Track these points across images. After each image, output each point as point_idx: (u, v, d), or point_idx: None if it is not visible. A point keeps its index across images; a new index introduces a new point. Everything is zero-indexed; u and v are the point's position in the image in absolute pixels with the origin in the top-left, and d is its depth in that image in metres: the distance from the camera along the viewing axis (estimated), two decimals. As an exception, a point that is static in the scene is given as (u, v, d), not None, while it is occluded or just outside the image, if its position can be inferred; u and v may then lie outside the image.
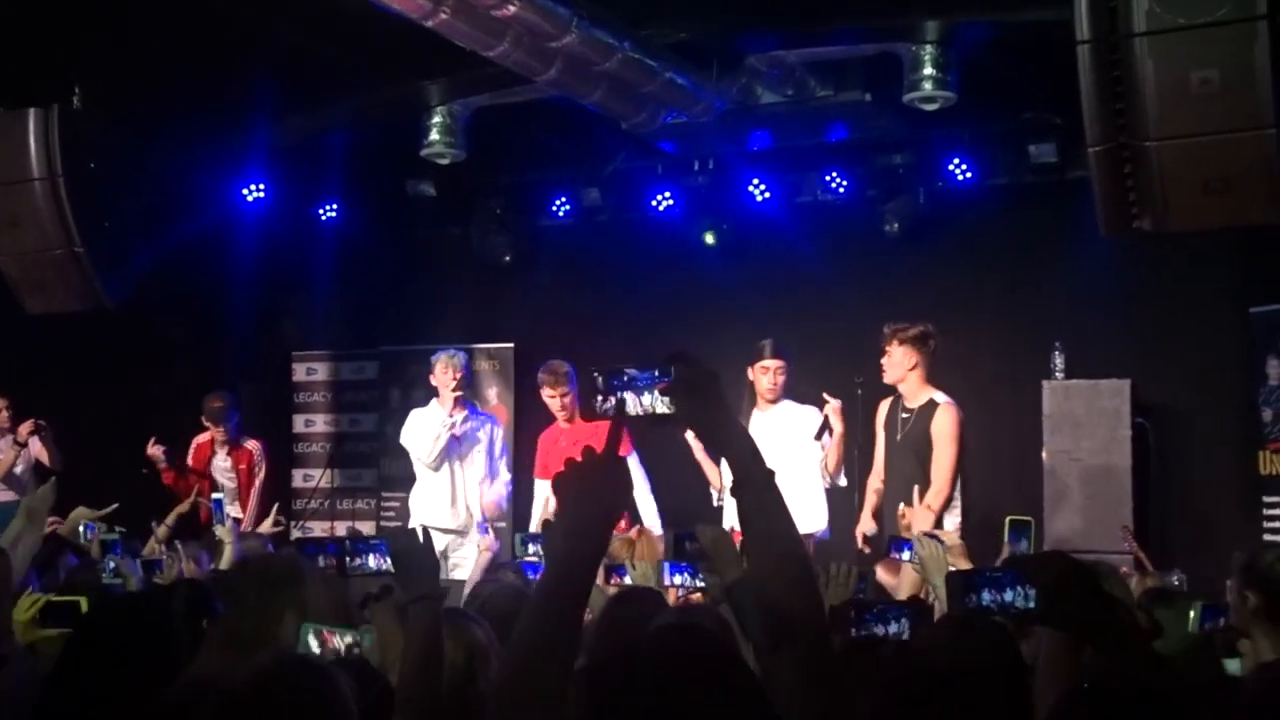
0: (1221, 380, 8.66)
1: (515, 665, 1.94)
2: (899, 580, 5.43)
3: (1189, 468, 8.72)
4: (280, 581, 3.49)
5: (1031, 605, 2.54)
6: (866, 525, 7.41)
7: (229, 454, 9.14)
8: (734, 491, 2.18)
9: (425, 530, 3.35)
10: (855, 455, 7.86)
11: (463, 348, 10.49)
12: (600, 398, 2.13)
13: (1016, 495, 8.78)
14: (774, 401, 7.73)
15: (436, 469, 8.40)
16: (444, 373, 8.37)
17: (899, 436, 7.29)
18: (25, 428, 8.51)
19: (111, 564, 5.43)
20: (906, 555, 4.79)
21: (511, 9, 6.36)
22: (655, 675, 1.82)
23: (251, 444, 9.25)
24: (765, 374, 7.70)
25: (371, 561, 3.27)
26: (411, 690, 2.95)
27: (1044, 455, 8.48)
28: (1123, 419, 8.33)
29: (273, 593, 3.49)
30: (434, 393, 8.52)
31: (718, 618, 3.23)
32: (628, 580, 4.74)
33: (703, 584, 4.31)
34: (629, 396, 2.11)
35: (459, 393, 8.39)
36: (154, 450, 8.91)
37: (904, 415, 7.28)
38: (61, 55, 7.58)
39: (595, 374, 2.14)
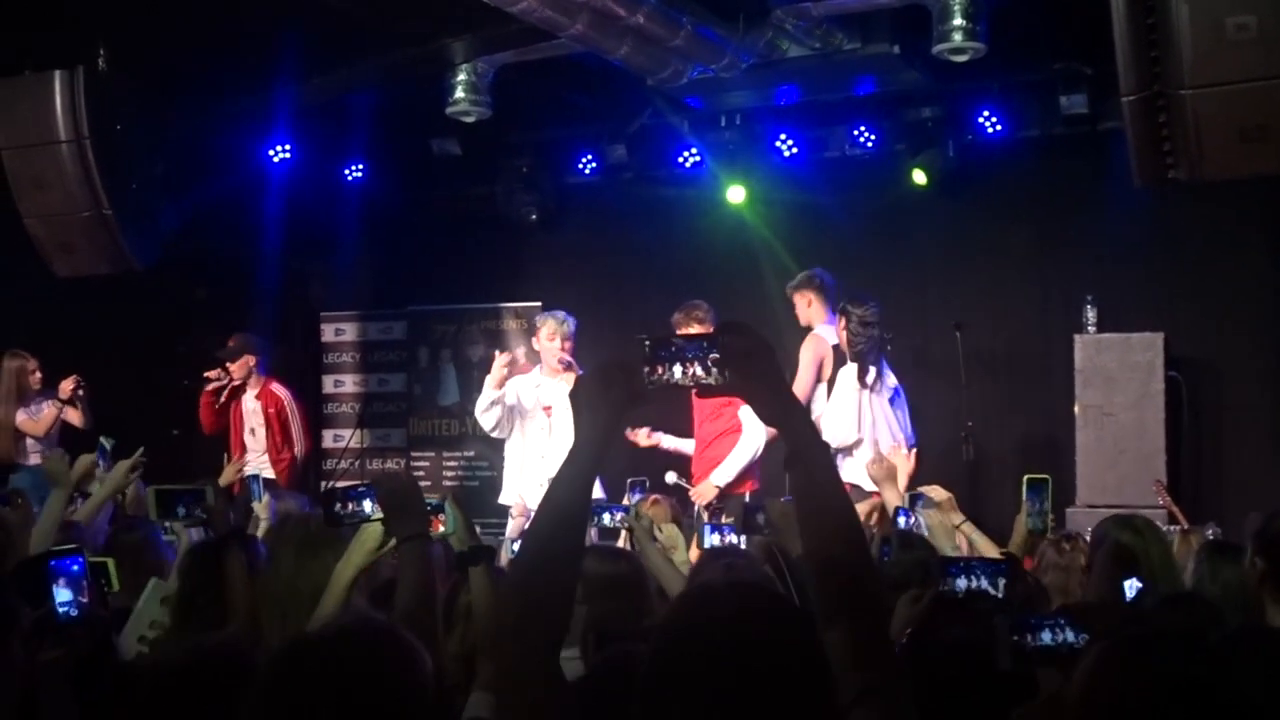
0: (1255, 334, 8.58)
1: (524, 555, 2.16)
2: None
3: (1222, 422, 8.65)
4: (318, 543, 3.48)
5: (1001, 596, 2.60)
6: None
7: (257, 396, 9.05)
8: (788, 465, 2.15)
9: (410, 473, 3.37)
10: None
11: (490, 307, 10.55)
12: (649, 368, 2.10)
13: (1049, 449, 8.76)
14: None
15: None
16: (550, 339, 8.00)
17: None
18: (68, 385, 8.42)
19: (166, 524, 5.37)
20: (903, 522, 4.77)
21: (536, -37, 6.31)
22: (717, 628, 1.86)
23: (280, 390, 9.07)
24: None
25: (365, 507, 3.27)
26: (410, 625, 2.97)
27: (1076, 409, 8.41)
28: (1155, 373, 8.25)
29: (311, 554, 3.49)
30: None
31: (764, 574, 3.22)
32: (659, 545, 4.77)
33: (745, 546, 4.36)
34: (678, 366, 2.09)
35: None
36: (214, 376, 8.87)
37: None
38: (87, 17, 7.55)
39: (645, 342, 2.12)
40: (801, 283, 8.07)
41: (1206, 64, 5.46)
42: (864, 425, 7.66)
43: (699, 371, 2.08)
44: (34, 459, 8.50)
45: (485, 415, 8.02)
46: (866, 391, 7.64)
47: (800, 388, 7.66)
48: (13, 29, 7.53)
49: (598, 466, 2.18)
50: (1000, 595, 3.06)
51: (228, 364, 8.96)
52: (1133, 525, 4.20)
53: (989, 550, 4.70)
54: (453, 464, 10.71)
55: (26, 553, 4.38)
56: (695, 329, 7.52)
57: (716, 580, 3.07)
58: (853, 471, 7.32)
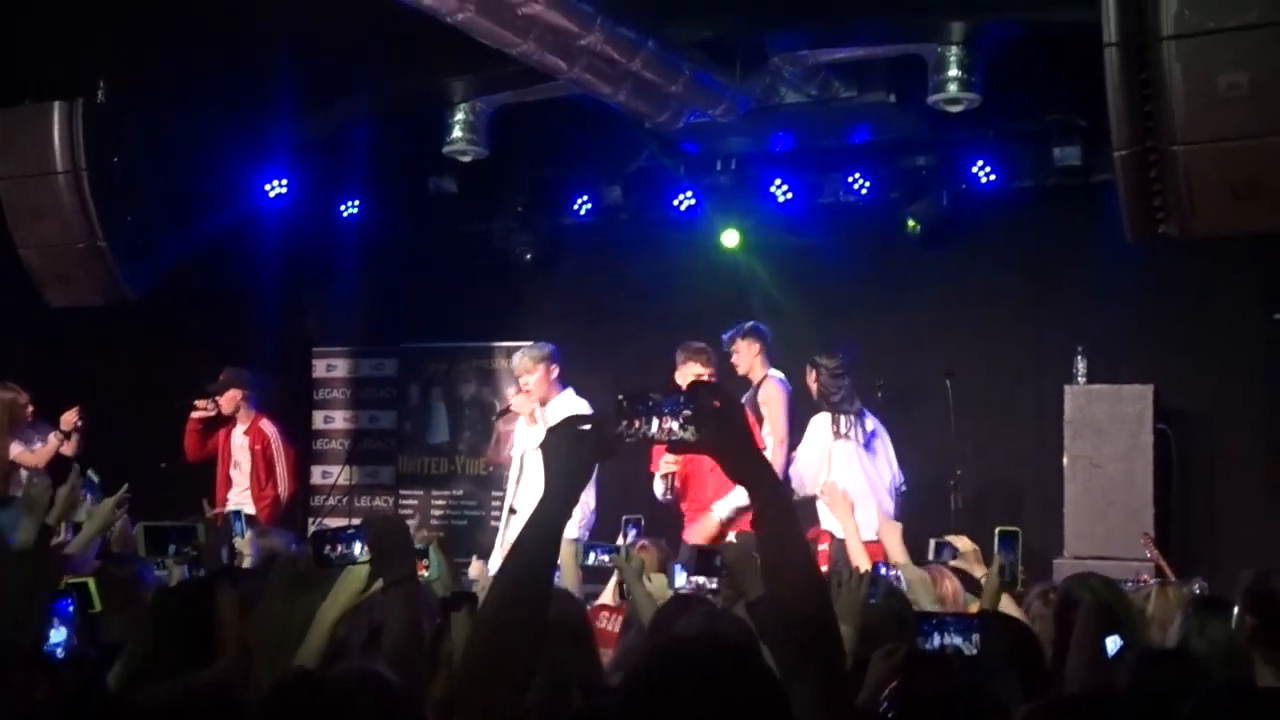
0: (1245, 387, 8.60)
1: (487, 611, 2.20)
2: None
3: (1211, 475, 8.66)
4: (307, 582, 3.48)
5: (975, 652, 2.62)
6: None
7: (245, 431, 9.04)
8: (753, 522, 2.21)
9: (400, 516, 3.38)
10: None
11: (483, 345, 10.56)
12: (625, 422, 2.16)
13: (1037, 499, 8.77)
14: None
15: None
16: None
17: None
18: (71, 417, 8.38)
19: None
20: (883, 571, 4.76)
21: (536, 6, 6.37)
22: (688, 687, 1.87)
23: (269, 428, 9.07)
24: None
25: (355, 549, 3.27)
26: (397, 668, 2.96)
27: (1065, 460, 8.41)
28: (1145, 425, 8.26)
29: (299, 594, 3.48)
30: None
31: (743, 625, 3.21)
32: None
33: (714, 588, 4.33)
34: (654, 421, 2.15)
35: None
36: (204, 405, 8.87)
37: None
38: (87, 49, 7.60)
39: (620, 398, 2.18)
40: (747, 332, 8.06)
41: (1199, 120, 5.50)
42: (833, 473, 7.67)
43: (673, 427, 2.12)
44: None
45: None
46: (840, 440, 7.68)
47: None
48: (13, 60, 7.57)
49: (566, 519, 2.24)
50: (975, 651, 3.06)
51: (216, 397, 8.96)
52: (1090, 586, 4.17)
53: (1009, 606, 4.71)
54: (441, 503, 10.69)
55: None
56: (697, 368, 7.54)
57: (689, 633, 3.08)
58: (825, 518, 7.39)
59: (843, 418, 7.74)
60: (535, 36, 6.70)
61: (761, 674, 1.92)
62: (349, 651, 3.55)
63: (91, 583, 4.11)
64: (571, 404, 7.75)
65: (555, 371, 7.84)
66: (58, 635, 3.01)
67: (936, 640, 2.97)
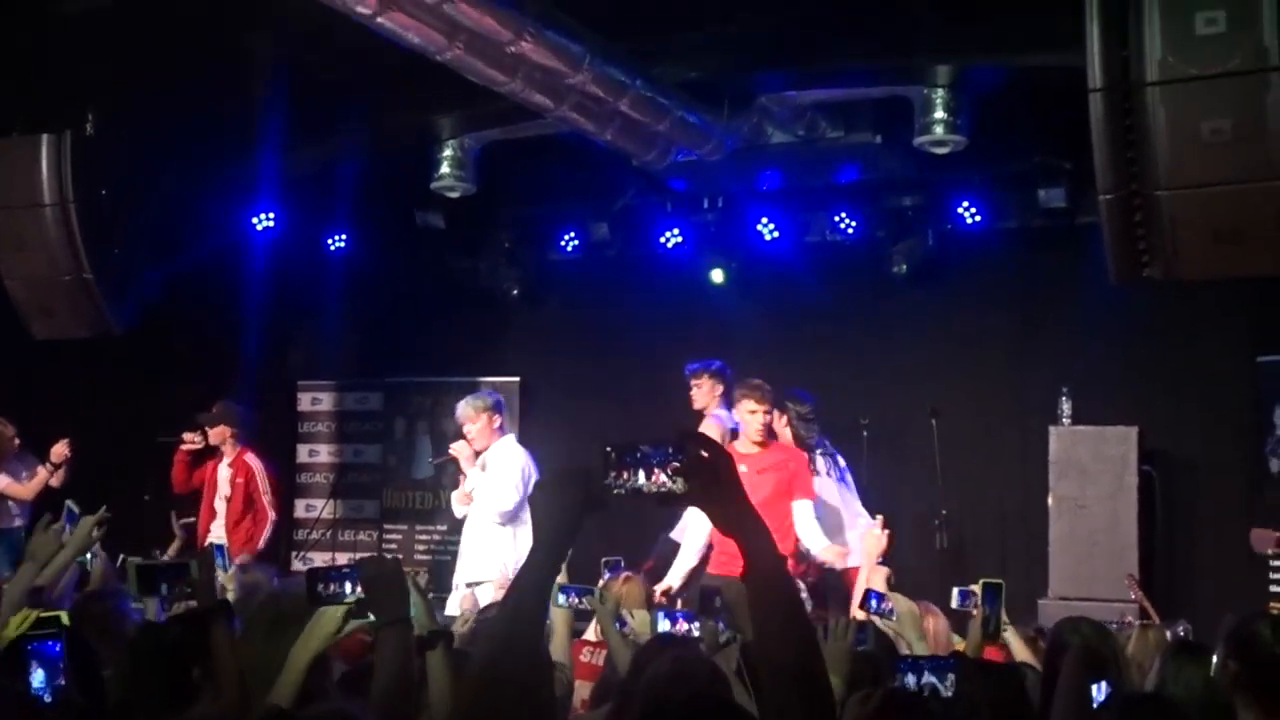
0: (1229, 429, 8.63)
1: (478, 667, 2.20)
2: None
3: (1195, 516, 8.68)
4: (288, 620, 3.46)
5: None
6: None
7: (230, 464, 9.02)
8: (744, 576, 2.19)
9: (395, 557, 3.38)
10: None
11: (469, 381, 10.55)
12: (614, 473, 2.13)
13: (1022, 540, 8.77)
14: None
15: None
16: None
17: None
18: (61, 449, 8.37)
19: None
20: (874, 606, 4.75)
21: (525, 45, 6.37)
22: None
23: (254, 461, 9.05)
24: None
25: (346, 588, 3.26)
26: (386, 711, 2.95)
27: (1049, 501, 8.44)
28: (1129, 466, 8.29)
29: (281, 632, 3.46)
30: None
31: (712, 668, 3.21)
32: (627, 630, 4.75)
33: (698, 633, 4.32)
34: (642, 473, 2.13)
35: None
36: (190, 438, 8.88)
37: None
38: (76, 81, 7.60)
39: (609, 450, 2.15)
40: (715, 373, 8.23)
41: (1182, 166, 5.54)
42: (835, 508, 7.72)
43: (663, 479, 2.11)
44: (17, 521, 8.45)
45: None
46: (818, 479, 7.71)
47: None
48: (2, 92, 7.58)
49: (556, 572, 2.25)
50: (949, 693, 3.05)
51: (206, 428, 8.96)
52: (1079, 630, 4.17)
53: (1022, 649, 4.71)
54: (425, 538, 10.65)
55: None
56: (750, 405, 7.48)
57: (663, 678, 3.06)
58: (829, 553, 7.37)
59: (821, 458, 7.78)
60: (523, 75, 6.72)
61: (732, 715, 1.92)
62: (327, 693, 3.53)
63: (63, 616, 4.06)
64: (510, 450, 8.00)
65: (498, 421, 8.03)
66: (38, 678, 2.97)
67: (913, 680, 2.95)
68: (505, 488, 7.86)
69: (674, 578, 7.77)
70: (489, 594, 7.65)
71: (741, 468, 7.41)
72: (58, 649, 3.02)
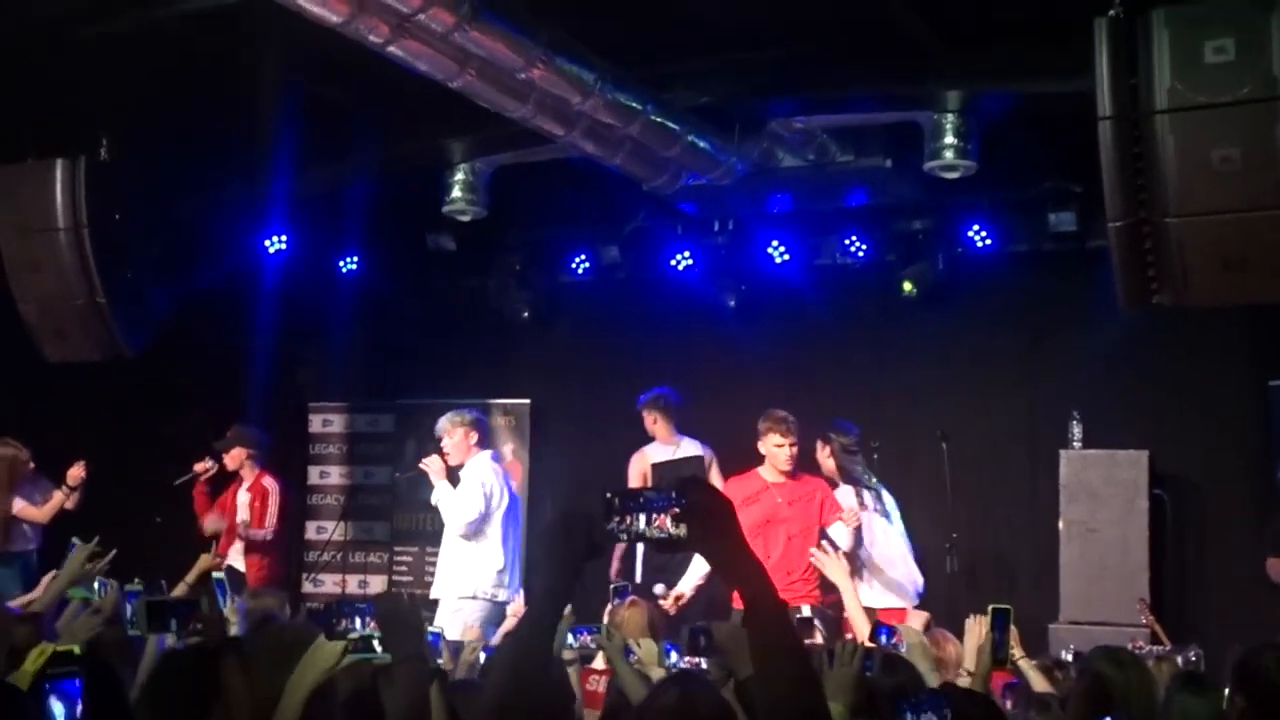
0: (1240, 453, 8.61)
1: (490, 703, 2.28)
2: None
3: (1206, 540, 8.66)
4: (293, 652, 3.46)
5: None
6: None
7: (249, 488, 9.08)
8: (745, 621, 2.22)
9: (410, 594, 3.40)
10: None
11: (479, 403, 10.57)
12: (616, 519, 2.16)
13: (1033, 563, 8.76)
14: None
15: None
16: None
17: None
18: (77, 472, 8.44)
19: (131, 614, 5.33)
20: (884, 641, 4.75)
21: (536, 71, 6.41)
22: None
23: (270, 483, 9.14)
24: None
25: (357, 624, 3.28)
26: None
27: (1060, 525, 8.42)
28: (1140, 490, 8.28)
29: (284, 663, 3.47)
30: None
31: (722, 703, 3.20)
32: (634, 659, 4.76)
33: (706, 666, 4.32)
34: (643, 519, 2.16)
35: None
36: (202, 466, 8.93)
37: None
38: (90, 106, 7.65)
39: (611, 496, 2.18)
40: (649, 403, 8.69)
41: (1192, 194, 5.55)
42: (874, 544, 7.80)
43: (664, 524, 2.13)
44: (31, 545, 8.49)
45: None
46: (865, 513, 7.73)
47: None
48: (17, 116, 7.63)
49: (559, 616, 2.31)
50: None
51: (222, 454, 9.03)
52: (1118, 659, 4.15)
53: (1040, 682, 4.70)
54: (435, 560, 10.60)
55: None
56: (776, 439, 7.63)
57: (668, 711, 3.06)
58: (863, 591, 7.50)
59: (866, 492, 7.84)
60: (534, 101, 6.75)
61: None
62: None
63: (76, 649, 4.07)
64: (481, 465, 8.17)
65: (474, 437, 8.19)
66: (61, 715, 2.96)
67: (910, 718, 2.95)
68: (467, 501, 8.01)
69: (686, 586, 7.79)
70: (476, 612, 7.71)
71: (776, 498, 7.44)
72: (77, 686, 3.02)
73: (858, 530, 7.66)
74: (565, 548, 2.24)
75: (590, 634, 4.89)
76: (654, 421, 8.67)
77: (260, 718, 3.38)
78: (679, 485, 2.20)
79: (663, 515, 2.14)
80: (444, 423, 8.26)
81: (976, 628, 4.59)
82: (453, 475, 8.21)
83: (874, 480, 7.99)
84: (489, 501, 8.05)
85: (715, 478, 8.35)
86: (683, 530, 2.14)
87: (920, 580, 7.98)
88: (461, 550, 8.10)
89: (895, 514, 8.07)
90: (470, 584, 7.98)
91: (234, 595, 6.11)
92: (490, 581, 8.00)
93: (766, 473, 7.76)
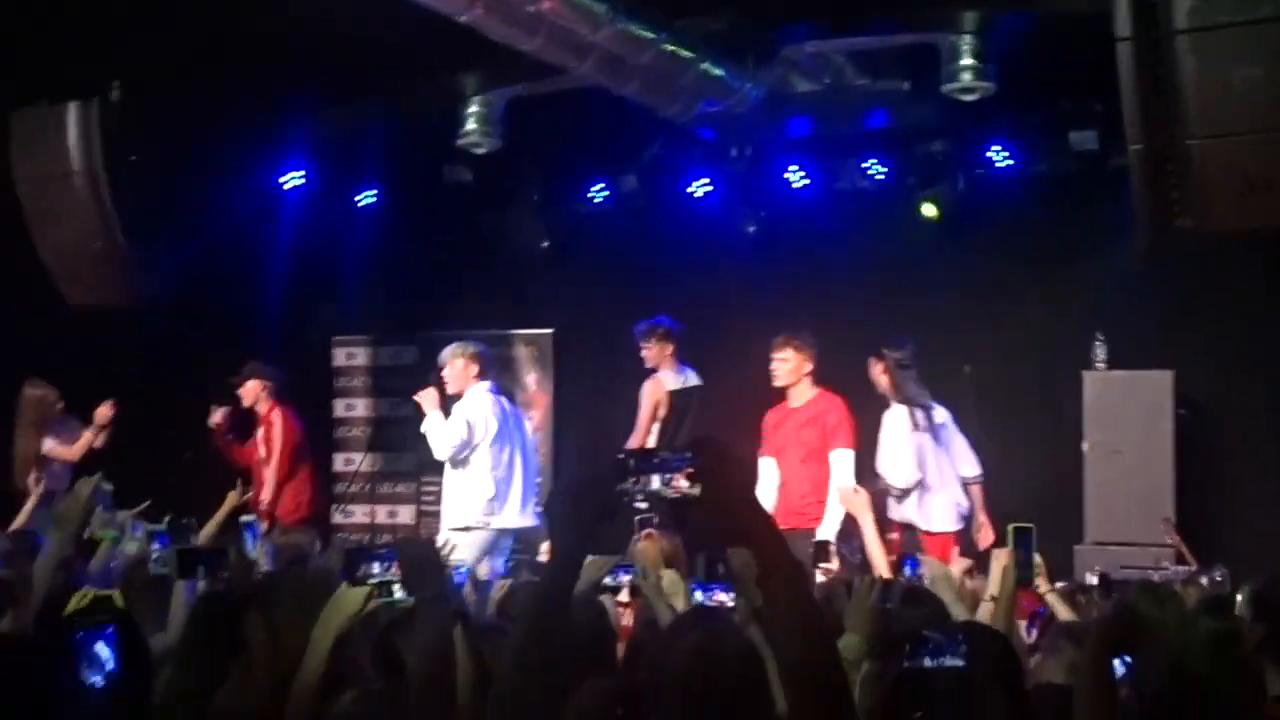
0: (1266, 371, 8.52)
1: (510, 671, 2.31)
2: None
3: (1232, 460, 8.61)
4: (317, 598, 3.49)
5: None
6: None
7: (262, 422, 9.12)
8: (759, 581, 2.19)
9: (431, 537, 3.42)
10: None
11: (501, 334, 10.60)
12: (631, 480, 2.16)
13: (1057, 486, 8.73)
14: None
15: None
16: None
17: None
18: (106, 410, 8.47)
19: (157, 555, 5.39)
20: (908, 572, 4.75)
21: (546, 4, 6.34)
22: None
23: (276, 415, 9.12)
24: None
25: (377, 568, 3.30)
26: (425, 695, 2.97)
27: (1084, 446, 8.39)
28: (1165, 411, 8.21)
29: (309, 610, 3.49)
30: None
31: (747, 646, 3.21)
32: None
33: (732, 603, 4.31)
34: (656, 479, 2.16)
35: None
36: (218, 418, 8.94)
37: None
38: (101, 49, 7.61)
39: (624, 456, 2.20)
40: (650, 332, 8.68)
41: (1213, 115, 5.48)
42: (924, 466, 7.78)
43: (677, 483, 2.13)
44: (63, 485, 8.57)
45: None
46: (916, 433, 7.73)
47: (638, 429, 8.43)
48: (28, 62, 7.60)
49: (575, 579, 2.34)
50: (963, 665, 3.00)
51: (238, 389, 9.06)
52: (1158, 594, 4.10)
53: (1065, 612, 4.69)
54: (462, 489, 10.72)
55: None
56: (788, 354, 7.85)
57: (690, 653, 3.07)
58: (910, 512, 7.65)
59: (918, 411, 7.78)
60: (545, 33, 6.69)
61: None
62: (362, 672, 3.58)
63: (117, 598, 4.14)
64: (476, 397, 8.24)
65: (475, 369, 8.28)
66: (93, 665, 3.00)
67: (928, 659, 2.90)
68: (448, 431, 8.12)
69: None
70: (470, 543, 7.75)
71: (796, 421, 7.50)
72: (111, 635, 3.06)
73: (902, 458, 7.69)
74: (578, 512, 2.25)
75: (629, 574, 4.91)
76: (659, 350, 8.67)
77: (287, 667, 3.42)
78: (692, 444, 2.21)
79: (676, 474, 2.14)
80: (447, 352, 8.36)
81: (1002, 557, 4.59)
82: (451, 405, 8.33)
83: (926, 398, 7.90)
84: (473, 431, 8.12)
85: None
86: (696, 489, 2.14)
87: (965, 503, 7.97)
88: (452, 480, 8.26)
89: (948, 430, 8.01)
90: (462, 515, 8.11)
91: (264, 538, 6.18)
92: (480, 510, 8.09)
93: (790, 397, 7.92)
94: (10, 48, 7.31)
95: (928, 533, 7.63)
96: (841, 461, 7.72)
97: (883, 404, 7.98)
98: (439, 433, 8.14)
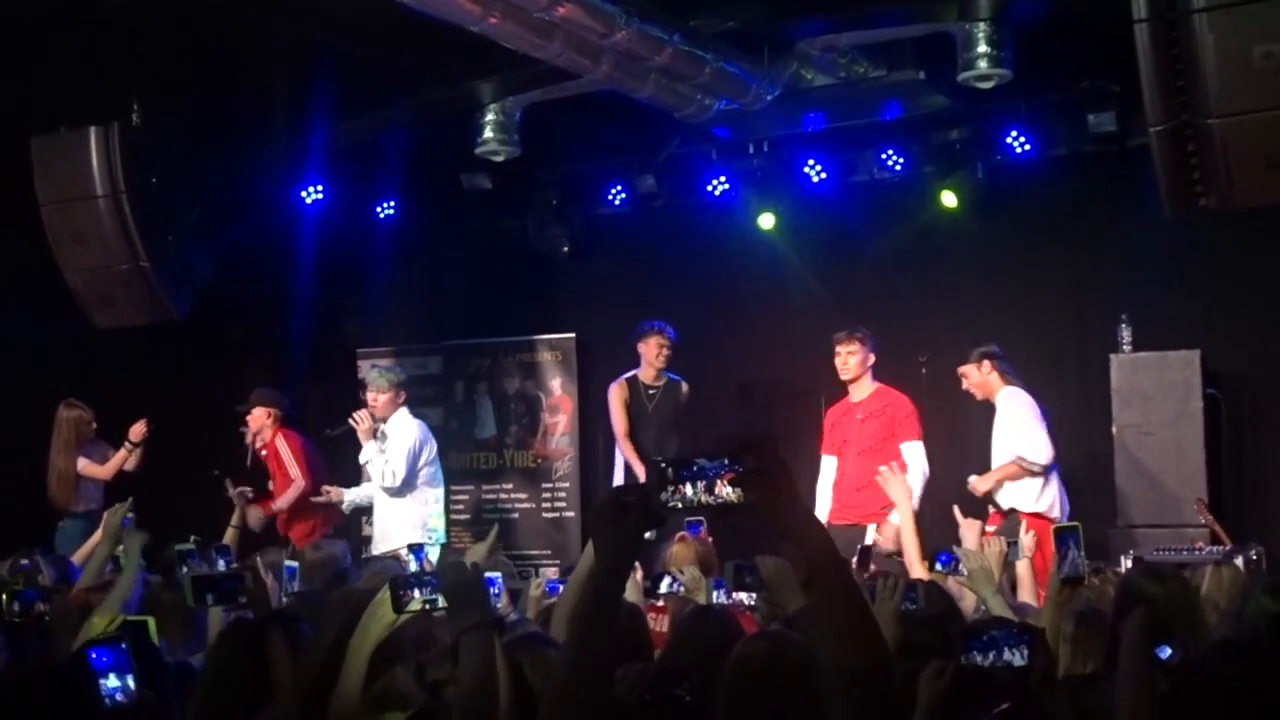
0: (1293, 347, 8.51)
1: (556, 689, 2.27)
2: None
3: (1262, 438, 8.58)
4: (357, 615, 3.49)
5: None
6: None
7: (266, 451, 9.10)
8: (805, 584, 2.16)
9: (474, 563, 3.40)
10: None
11: (525, 340, 10.61)
12: (670, 489, 2.10)
13: (1088, 470, 8.71)
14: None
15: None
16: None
17: None
18: (140, 428, 8.54)
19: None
20: (940, 567, 4.73)
21: (560, 10, 6.36)
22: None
23: (279, 441, 9.04)
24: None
25: (419, 594, 3.29)
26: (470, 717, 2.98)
27: (1114, 430, 8.37)
28: (1193, 390, 8.19)
29: (352, 627, 3.50)
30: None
31: (805, 651, 3.20)
32: (679, 588, 4.81)
33: (752, 605, 4.33)
34: (699, 485, 2.09)
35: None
36: (235, 492, 8.85)
37: None
38: (119, 72, 7.65)
39: (663, 464, 2.12)
40: (653, 331, 8.91)
41: (1233, 93, 5.43)
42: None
43: (724, 489, 2.09)
44: (95, 505, 8.59)
45: None
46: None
47: (616, 432, 8.91)
48: (47, 87, 7.65)
49: (621, 592, 2.30)
50: (1025, 663, 2.97)
51: (245, 416, 9.07)
52: (1156, 572, 4.10)
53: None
54: (491, 497, 10.75)
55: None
56: (855, 348, 8.03)
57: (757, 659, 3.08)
58: (1028, 497, 7.77)
59: (1007, 402, 7.93)
60: (560, 39, 6.70)
61: None
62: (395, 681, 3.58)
63: (151, 622, 4.15)
64: (405, 423, 8.62)
65: (402, 397, 8.69)
66: (111, 681, 3.03)
67: (983, 656, 2.87)
68: (395, 461, 8.43)
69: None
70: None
71: (857, 415, 7.67)
72: (122, 649, 3.08)
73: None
74: (620, 523, 2.22)
75: (679, 584, 4.94)
76: (659, 349, 8.85)
77: (323, 684, 3.42)
78: (733, 449, 2.12)
79: (719, 480, 2.09)
80: (378, 379, 8.70)
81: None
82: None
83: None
84: (415, 458, 8.53)
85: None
86: (740, 495, 2.08)
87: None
88: (395, 504, 8.52)
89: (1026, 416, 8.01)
90: (403, 537, 8.22)
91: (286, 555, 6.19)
92: (419, 536, 8.23)
93: (852, 392, 8.19)
94: (27, 73, 7.36)
95: (1039, 515, 7.55)
96: (914, 453, 7.93)
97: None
98: (389, 467, 8.42)
